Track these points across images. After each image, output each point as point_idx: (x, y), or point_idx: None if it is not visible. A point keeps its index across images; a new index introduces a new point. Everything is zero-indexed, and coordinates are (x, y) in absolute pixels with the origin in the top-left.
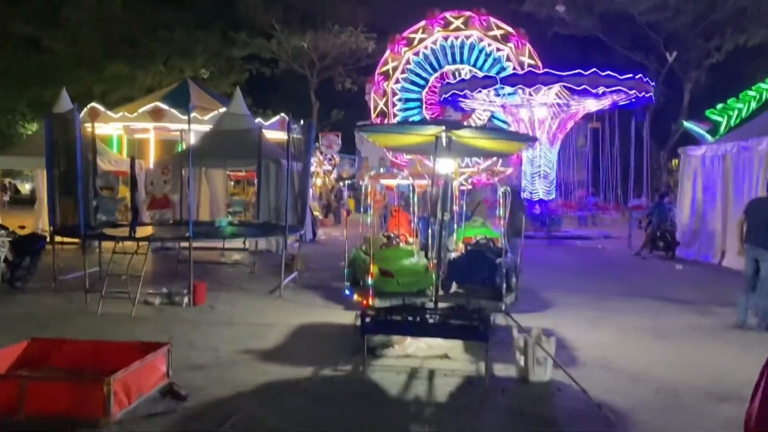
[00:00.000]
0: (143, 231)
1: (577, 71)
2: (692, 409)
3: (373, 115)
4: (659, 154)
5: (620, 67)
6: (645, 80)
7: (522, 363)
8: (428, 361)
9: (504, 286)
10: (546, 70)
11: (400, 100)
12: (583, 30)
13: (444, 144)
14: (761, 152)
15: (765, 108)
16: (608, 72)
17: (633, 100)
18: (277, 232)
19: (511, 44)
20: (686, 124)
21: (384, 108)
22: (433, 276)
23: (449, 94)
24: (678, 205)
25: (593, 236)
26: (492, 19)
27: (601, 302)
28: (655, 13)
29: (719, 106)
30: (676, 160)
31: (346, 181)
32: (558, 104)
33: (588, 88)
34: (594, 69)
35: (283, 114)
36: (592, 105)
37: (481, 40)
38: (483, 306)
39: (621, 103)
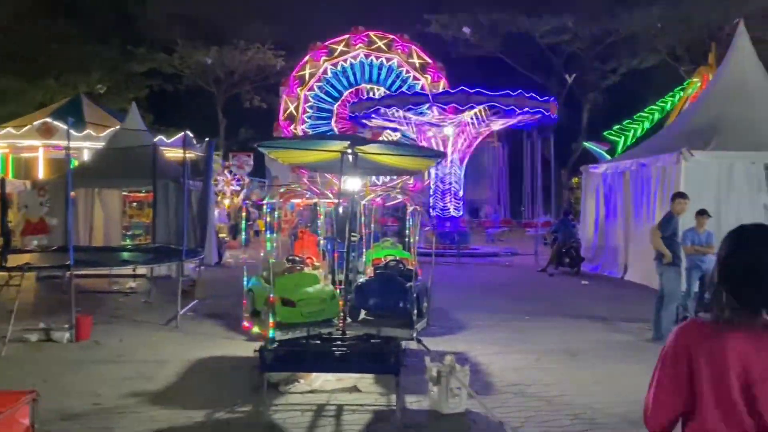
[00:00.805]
0: (19, 259)
1: (505, 92)
2: None
3: (281, 117)
4: (560, 173)
5: (522, 88)
6: (554, 101)
7: (435, 394)
8: (336, 396)
9: (415, 311)
10: (477, 89)
11: (311, 107)
12: (488, 51)
13: (350, 160)
14: (658, 169)
15: (659, 127)
16: (532, 93)
17: (526, 120)
18: (173, 257)
19: (428, 75)
20: (586, 144)
21: (294, 112)
22: (340, 303)
23: (373, 108)
24: (582, 221)
25: (501, 253)
26: (414, 48)
27: (513, 321)
28: (554, 36)
29: (616, 127)
30: (576, 179)
31: (254, 201)
32: (472, 123)
33: (515, 108)
34: (520, 90)
35: (187, 132)
36: (498, 124)
37: (401, 65)
38: (393, 334)
39: (517, 122)
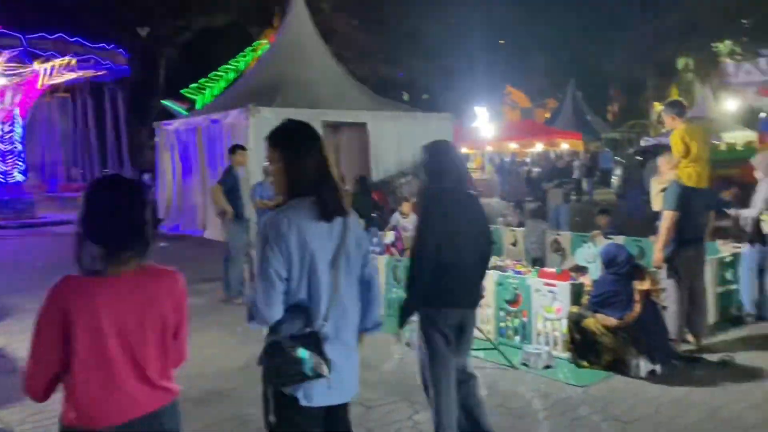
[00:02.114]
0: None
1: (101, 45)
2: None
3: None
4: (141, 131)
5: (90, 39)
6: (122, 52)
7: None
8: None
9: None
10: (76, 38)
11: None
12: None
13: None
14: (228, 125)
15: (233, 85)
16: (113, 44)
17: (104, 72)
18: None
19: None
20: (165, 102)
21: None
22: None
23: None
24: (160, 180)
25: (74, 220)
26: None
27: None
28: None
29: (193, 85)
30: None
31: None
32: (46, 73)
33: (98, 59)
34: (104, 43)
35: None
36: (69, 76)
37: None
38: None
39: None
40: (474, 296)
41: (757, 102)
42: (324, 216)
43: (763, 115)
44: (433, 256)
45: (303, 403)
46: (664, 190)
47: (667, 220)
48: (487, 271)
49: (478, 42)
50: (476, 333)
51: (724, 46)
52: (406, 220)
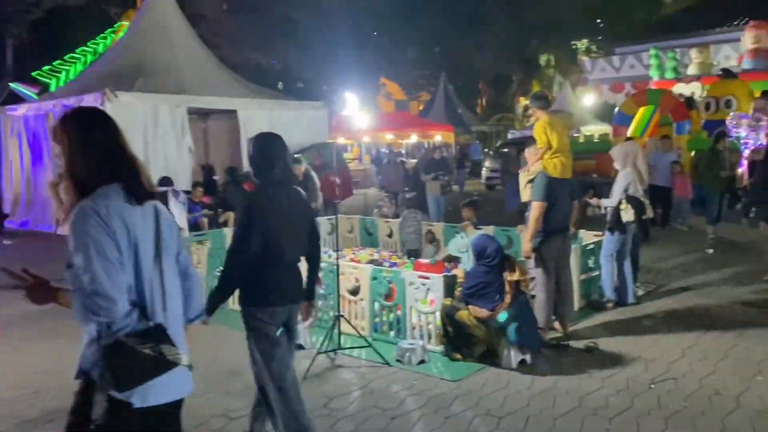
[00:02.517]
0: None
1: None
2: None
3: None
4: None
5: None
6: None
7: None
8: None
9: None
10: None
11: None
12: None
13: None
14: None
15: (89, 68)
16: None
17: None
18: None
19: None
20: (14, 85)
21: None
22: None
23: None
24: (6, 171)
25: None
26: None
27: None
28: None
29: (46, 67)
30: None
31: None
32: None
33: None
34: None
35: None
36: None
37: None
38: None
39: None
40: (298, 292)
41: (611, 97)
42: (136, 200)
43: (617, 109)
44: (251, 251)
45: (137, 405)
46: (531, 181)
47: (536, 211)
48: (318, 266)
49: (353, 33)
50: (350, 330)
51: (581, 43)
52: None
